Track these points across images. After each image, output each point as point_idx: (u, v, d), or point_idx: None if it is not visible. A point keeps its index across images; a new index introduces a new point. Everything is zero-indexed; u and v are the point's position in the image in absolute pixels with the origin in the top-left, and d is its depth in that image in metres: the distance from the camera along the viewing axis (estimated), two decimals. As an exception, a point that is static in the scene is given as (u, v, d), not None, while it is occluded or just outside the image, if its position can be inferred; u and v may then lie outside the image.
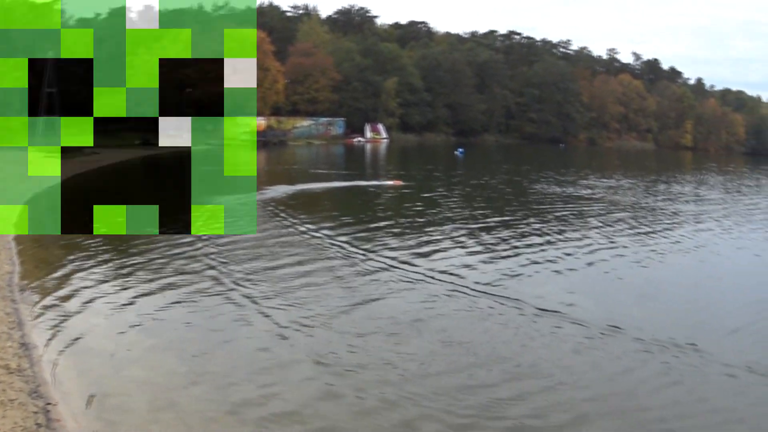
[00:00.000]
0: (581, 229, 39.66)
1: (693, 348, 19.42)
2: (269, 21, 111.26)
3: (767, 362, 18.76)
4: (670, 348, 19.39)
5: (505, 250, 31.04)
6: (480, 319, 20.65)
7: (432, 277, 25.04)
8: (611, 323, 20.99)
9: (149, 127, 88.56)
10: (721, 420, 15.55)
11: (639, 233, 39.09)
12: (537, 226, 38.88)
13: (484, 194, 54.21)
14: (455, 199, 49.41)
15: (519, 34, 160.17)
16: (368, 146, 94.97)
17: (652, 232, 40.14)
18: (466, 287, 24.13)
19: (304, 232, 32.22)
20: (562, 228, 38.94)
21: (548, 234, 36.11)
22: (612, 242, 35.29)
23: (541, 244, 32.62)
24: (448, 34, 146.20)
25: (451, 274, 25.79)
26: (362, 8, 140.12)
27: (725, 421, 15.56)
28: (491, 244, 32.85)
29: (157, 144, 77.02)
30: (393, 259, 27.91)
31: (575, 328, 20.47)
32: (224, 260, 25.35)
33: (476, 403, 15.07)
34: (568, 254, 31.46)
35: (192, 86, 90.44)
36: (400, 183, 51.15)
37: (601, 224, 41.82)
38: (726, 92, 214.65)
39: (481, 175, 66.20)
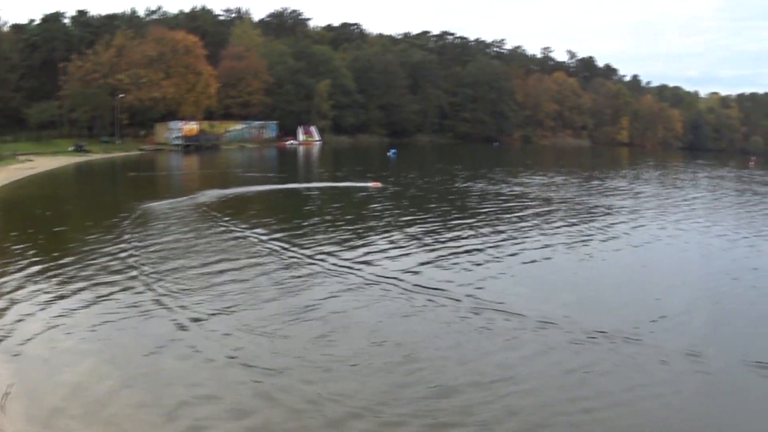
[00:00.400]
0: (514, 226, 42.16)
1: (626, 337, 21.13)
2: (202, 25, 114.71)
3: (700, 348, 20.60)
4: (603, 338, 21.08)
5: (438, 248, 32.95)
6: (412, 317, 21.95)
7: (364, 276, 26.61)
8: (545, 317, 22.47)
9: (82, 133, 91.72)
10: (652, 406, 16.94)
11: (573, 229, 42.16)
12: (470, 223, 41.44)
13: (416, 194, 56.35)
14: (387, 200, 51.24)
15: (452, 34, 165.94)
16: (301, 149, 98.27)
17: (587, 228, 43.30)
18: (399, 285, 25.72)
19: (235, 234, 33.72)
20: (496, 225, 41.51)
21: (482, 231, 38.64)
22: (545, 238, 38.16)
23: (475, 242, 34.92)
24: (381, 36, 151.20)
25: (384, 271, 27.55)
26: (295, 11, 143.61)
27: (656, 407, 16.97)
28: (424, 242, 34.86)
29: (91, 150, 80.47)
30: (325, 259, 29.50)
31: (509, 322, 21.88)
32: (154, 264, 26.72)
33: (405, 401, 16.09)
34: (502, 251, 33.70)
35: (125, 91, 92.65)
36: (378, 185, 54.14)
37: (534, 221, 44.80)
38: (663, 88, 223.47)
39: (413, 175, 69.27)
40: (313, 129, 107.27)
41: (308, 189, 56.18)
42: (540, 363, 18.97)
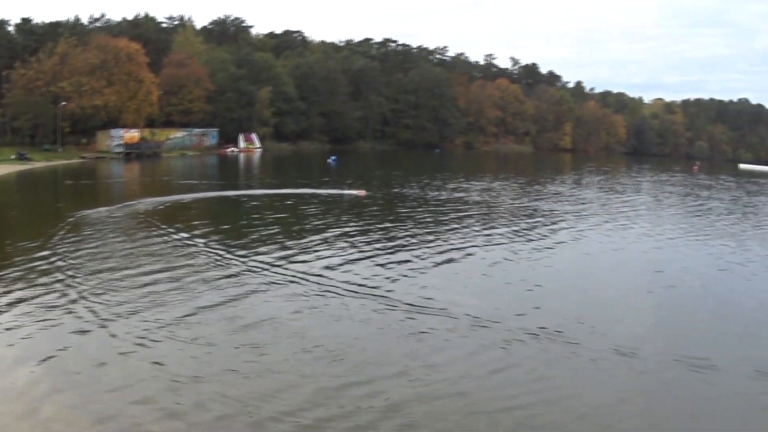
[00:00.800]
0: (452, 229, 44.49)
1: (558, 337, 22.18)
2: (145, 32, 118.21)
3: (632, 345, 21.44)
4: (533, 338, 22.10)
5: (372, 251, 34.44)
6: (342, 320, 22.94)
7: (299, 281, 27.67)
8: (481, 316, 23.79)
9: (24, 141, 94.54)
10: (579, 403, 17.83)
11: (513, 232, 44.47)
12: (407, 227, 43.68)
13: (355, 200, 57.21)
14: (324, 205, 53.00)
15: (395, 41, 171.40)
16: (242, 156, 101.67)
17: (525, 231, 45.65)
18: (332, 289, 26.80)
19: (168, 240, 34.95)
20: (433, 229, 43.90)
21: (418, 235, 40.80)
22: (482, 240, 40.31)
23: (410, 245, 36.85)
24: (323, 43, 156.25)
25: (318, 276, 28.60)
26: (237, 18, 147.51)
27: (586, 404, 17.85)
28: (358, 246, 36.45)
29: (33, 159, 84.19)
30: (258, 264, 30.59)
31: (445, 322, 23.03)
32: (80, 268, 27.65)
33: (327, 404, 16.67)
34: (438, 254, 35.32)
35: (67, 99, 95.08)
36: (363, 193, 54.61)
37: (473, 224, 47.01)
38: (606, 94, 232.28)
39: (353, 181, 70.26)
40: (254, 136, 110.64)
41: (250, 196, 58.16)
42: (470, 363, 20.05)
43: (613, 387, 19.14)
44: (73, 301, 23.20)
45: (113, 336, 20.11)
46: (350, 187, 58.12)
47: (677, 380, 20.04)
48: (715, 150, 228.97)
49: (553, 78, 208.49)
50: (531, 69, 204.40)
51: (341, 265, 31.06)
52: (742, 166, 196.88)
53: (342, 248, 35.84)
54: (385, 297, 25.26)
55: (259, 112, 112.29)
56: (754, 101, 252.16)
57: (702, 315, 27.54)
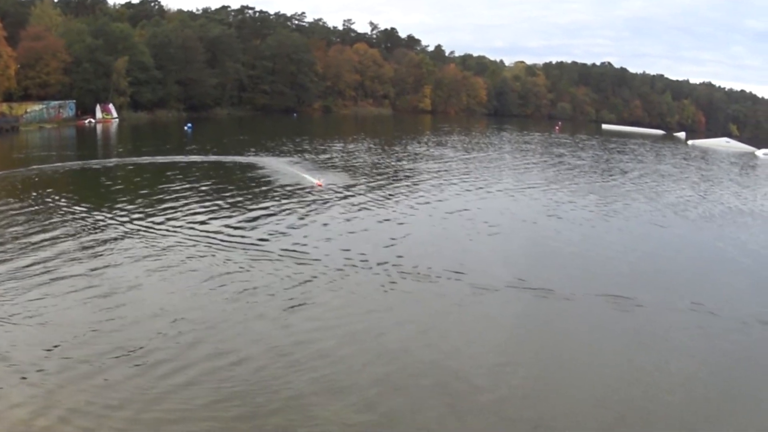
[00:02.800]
0: (314, 193, 49.93)
1: (426, 277, 29.56)
2: (3, 6, 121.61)
3: (510, 278, 30.32)
4: (405, 280, 29.08)
5: (229, 214, 40.50)
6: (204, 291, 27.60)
7: (158, 243, 32.54)
8: (342, 266, 30.19)
9: None
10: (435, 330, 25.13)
11: (375, 193, 50.72)
12: (265, 191, 49.01)
13: (214, 166, 62.57)
14: (182, 171, 57.33)
15: (252, 8, 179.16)
16: (99, 127, 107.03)
17: (389, 190, 52.50)
18: (214, 242, 32.68)
19: (27, 209, 38.70)
20: (299, 194, 48.99)
21: (273, 200, 45.89)
22: (347, 201, 46.79)
23: (272, 206, 43.10)
24: (180, 12, 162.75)
25: (178, 236, 33.96)
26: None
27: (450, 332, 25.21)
28: (219, 208, 42.35)
29: None
30: (124, 229, 35.30)
31: (317, 268, 29.95)
32: None
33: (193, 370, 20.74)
34: (305, 207, 42.09)
35: None
36: (321, 184, 53.68)
37: (337, 182, 53.23)
38: (467, 57, 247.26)
39: (210, 147, 77.52)
40: (111, 107, 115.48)
41: (109, 165, 61.49)
42: (351, 300, 26.87)
43: (472, 315, 27.02)
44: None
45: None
46: (311, 175, 57.37)
47: (527, 305, 28.75)
48: (578, 111, 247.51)
49: (412, 42, 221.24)
50: (390, 33, 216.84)
51: (197, 225, 37.31)
52: (605, 126, 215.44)
53: (198, 211, 42.01)
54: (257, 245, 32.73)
55: (116, 83, 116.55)
56: (617, 65, 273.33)
57: (551, 254, 37.68)
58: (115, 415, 18.16)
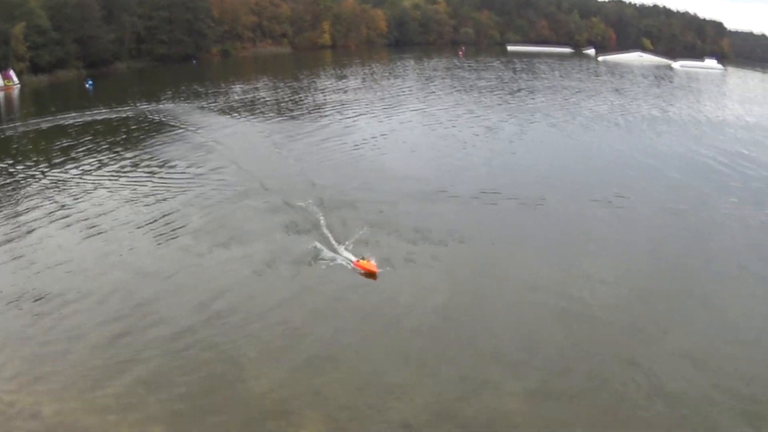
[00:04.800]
0: (223, 124, 56.96)
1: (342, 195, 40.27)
2: None
3: (429, 189, 41.61)
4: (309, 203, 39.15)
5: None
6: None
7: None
8: (271, 189, 39.75)
9: None
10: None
11: (286, 124, 57.37)
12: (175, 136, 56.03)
13: (107, 119, 68.52)
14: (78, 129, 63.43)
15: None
16: (2, 94, 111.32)
17: (297, 124, 58.40)
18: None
19: None
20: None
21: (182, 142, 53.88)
22: (261, 127, 54.04)
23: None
24: None
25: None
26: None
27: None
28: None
29: None
30: (45, 183, 42.75)
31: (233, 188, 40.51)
32: None
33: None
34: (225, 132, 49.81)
35: None
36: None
37: (248, 119, 60.08)
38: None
39: (109, 102, 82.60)
40: (11, 73, 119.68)
41: (14, 129, 67.16)
42: (266, 222, 37.37)
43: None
44: None
45: None
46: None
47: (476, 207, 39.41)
48: (481, 35, 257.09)
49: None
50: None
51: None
52: (510, 47, 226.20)
53: (111, 158, 49.75)
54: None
55: (15, 49, 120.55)
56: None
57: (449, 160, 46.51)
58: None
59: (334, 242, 36.82)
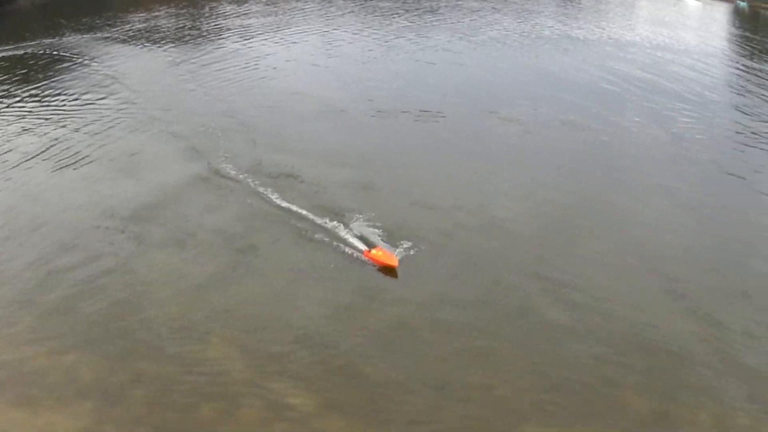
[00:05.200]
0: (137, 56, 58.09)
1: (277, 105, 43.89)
2: None
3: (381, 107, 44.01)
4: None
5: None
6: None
7: None
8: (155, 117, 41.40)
9: None
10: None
11: (193, 55, 58.26)
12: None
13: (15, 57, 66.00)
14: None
15: None
16: None
17: (198, 52, 59.74)
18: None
19: None
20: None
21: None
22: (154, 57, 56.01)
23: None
24: None
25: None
26: None
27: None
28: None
29: None
30: None
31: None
32: None
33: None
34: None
35: None
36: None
37: (142, 52, 60.76)
38: None
39: (13, 40, 78.24)
40: None
41: None
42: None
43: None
44: None
45: None
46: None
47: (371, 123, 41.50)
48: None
49: None
50: None
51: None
52: None
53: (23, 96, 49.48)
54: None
55: None
56: None
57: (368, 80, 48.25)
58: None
59: (231, 164, 37.74)
